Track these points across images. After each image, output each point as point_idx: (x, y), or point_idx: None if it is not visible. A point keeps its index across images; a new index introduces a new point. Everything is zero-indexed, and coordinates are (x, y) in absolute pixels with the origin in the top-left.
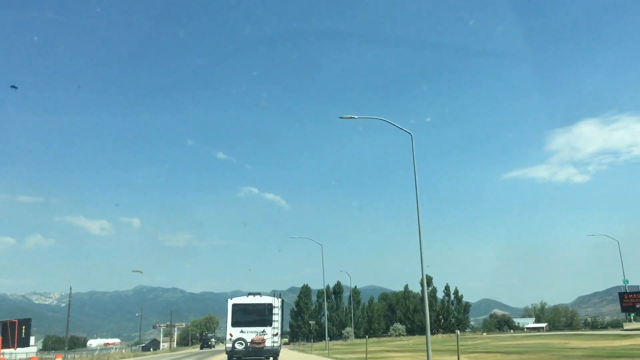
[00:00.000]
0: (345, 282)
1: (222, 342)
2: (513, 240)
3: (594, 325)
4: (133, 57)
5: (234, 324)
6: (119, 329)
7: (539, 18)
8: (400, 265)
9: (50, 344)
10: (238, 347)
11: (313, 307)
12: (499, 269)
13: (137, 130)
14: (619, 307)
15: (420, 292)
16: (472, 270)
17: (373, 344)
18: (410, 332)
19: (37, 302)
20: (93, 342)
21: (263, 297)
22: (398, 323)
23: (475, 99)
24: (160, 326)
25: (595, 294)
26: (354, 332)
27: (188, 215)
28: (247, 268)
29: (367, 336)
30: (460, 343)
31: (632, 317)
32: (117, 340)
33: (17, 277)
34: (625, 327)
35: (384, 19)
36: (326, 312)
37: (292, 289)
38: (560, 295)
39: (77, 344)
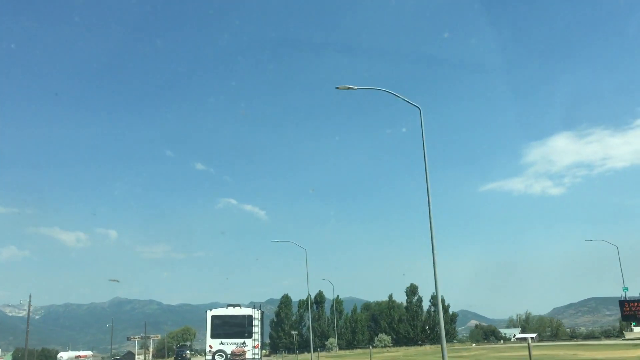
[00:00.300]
0: (327, 293)
1: (200, 354)
2: (489, 251)
3: (574, 336)
4: (110, 67)
5: (213, 336)
6: (95, 341)
7: (513, 31)
8: (380, 276)
9: (20, 357)
10: (218, 359)
11: (294, 318)
12: (475, 280)
13: (114, 141)
14: (593, 318)
15: (405, 302)
16: (449, 281)
17: (361, 356)
18: (396, 342)
19: (10, 314)
20: (64, 355)
21: (243, 308)
22: (383, 334)
23: (451, 111)
24: (134, 338)
25: (570, 305)
26: (338, 344)
27: (166, 227)
28: (225, 279)
29: (352, 347)
30: (455, 354)
31: (632, 326)
32: (89, 353)
33: None
34: (627, 337)
35: (360, 30)
36: (310, 322)
37: (270, 301)
38: (536, 306)
39: (49, 356)
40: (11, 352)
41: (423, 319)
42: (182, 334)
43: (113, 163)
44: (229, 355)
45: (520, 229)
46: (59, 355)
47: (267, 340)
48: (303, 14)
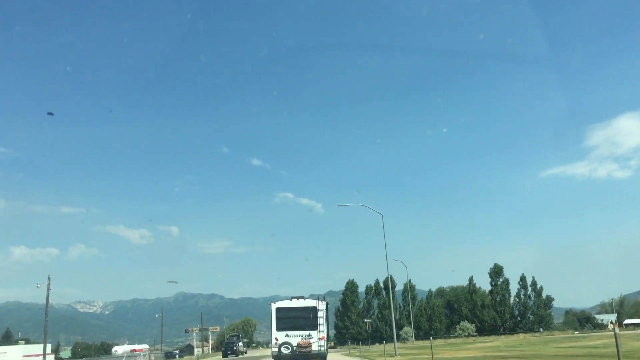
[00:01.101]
0: (398, 276)
1: (262, 346)
2: (554, 238)
3: None
4: (169, 70)
5: (279, 328)
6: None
7: (560, 15)
8: (431, 266)
9: (79, 351)
10: (284, 351)
11: (361, 306)
12: (541, 268)
13: (173, 140)
14: None
15: (484, 287)
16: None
17: (449, 348)
18: (480, 331)
19: (81, 310)
20: (118, 349)
21: (307, 300)
22: (465, 321)
23: (506, 101)
24: (193, 330)
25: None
26: (413, 333)
27: (225, 222)
28: (283, 273)
29: (428, 337)
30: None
31: None
32: (145, 347)
33: (62, 286)
34: None
35: (395, 29)
36: (392, 304)
37: (329, 293)
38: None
39: (108, 350)
40: (70, 347)
41: (510, 303)
42: (243, 326)
43: (172, 162)
44: (294, 348)
45: (585, 213)
46: (114, 349)
47: (333, 331)
48: (335, 17)
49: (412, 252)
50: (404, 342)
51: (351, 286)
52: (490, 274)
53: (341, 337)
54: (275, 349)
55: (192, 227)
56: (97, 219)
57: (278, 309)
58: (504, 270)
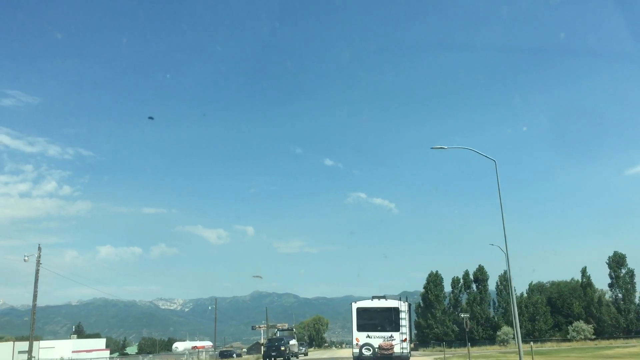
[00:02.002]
0: (491, 268)
1: (336, 346)
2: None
3: None
4: (244, 76)
5: (359, 329)
6: (238, 332)
7: None
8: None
9: (146, 347)
10: (365, 352)
11: (447, 300)
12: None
13: (248, 142)
14: None
15: (611, 277)
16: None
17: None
18: (598, 333)
19: (163, 307)
20: (179, 345)
21: (389, 300)
22: (580, 321)
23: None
24: (260, 327)
25: None
26: (513, 334)
27: (299, 222)
28: (357, 273)
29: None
30: None
31: None
32: (207, 344)
33: (145, 284)
34: None
35: (474, 27)
36: (513, 299)
37: (403, 294)
38: None
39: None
40: (137, 343)
41: (637, 300)
42: (314, 324)
43: (248, 163)
44: (376, 349)
45: None
46: (174, 345)
47: (414, 331)
48: (414, 18)
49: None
50: (504, 345)
51: (435, 279)
52: (609, 263)
53: (423, 337)
54: (356, 350)
55: (267, 227)
56: (177, 219)
57: (359, 309)
58: (627, 259)
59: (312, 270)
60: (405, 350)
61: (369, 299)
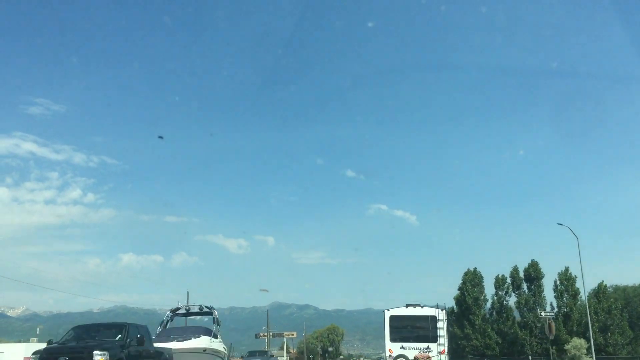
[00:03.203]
0: (545, 265)
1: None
2: None
3: None
4: (271, 83)
5: (393, 339)
6: (257, 343)
7: None
8: None
9: None
10: None
11: (490, 305)
12: None
13: (269, 151)
14: None
15: None
16: None
17: None
18: None
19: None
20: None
21: (425, 308)
22: None
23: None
24: (263, 336)
25: None
26: (582, 348)
27: (319, 233)
28: (377, 286)
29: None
30: None
31: None
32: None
33: (165, 292)
34: None
35: (489, 48)
36: (587, 301)
37: None
38: None
39: None
40: None
41: None
42: (328, 334)
43: (269, 174)
44: None
45: None
46: None
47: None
48: (429, 38)
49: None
50: None
51: (472, 277)
52: None
53: (458, 350)
54: None
55: (287, 238)
56: (198, 228)
57: (393, 317)
58: None
59: (332, 282)
60: None
61: (402, 306)
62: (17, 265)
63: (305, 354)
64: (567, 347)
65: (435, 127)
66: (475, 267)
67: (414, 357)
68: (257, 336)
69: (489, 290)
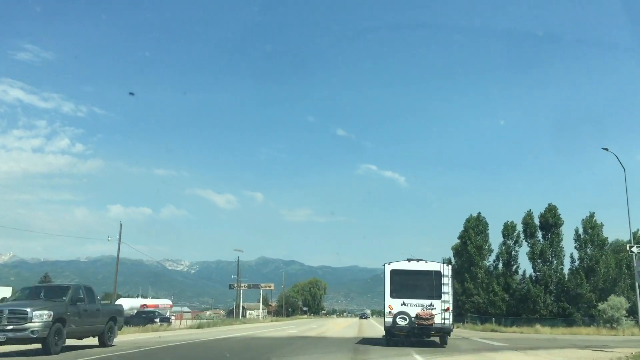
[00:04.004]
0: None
1: (335, 314)
2: None
3: None
4: (258, 41)
5: (393, 295)
6: (231, 293)
7: None
8: None
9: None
10: (400, 322)
11: (497, 253)
12: None
13: (261, 108)
14: None
15: None
16: None
17: None
18: None
19: (170, 267)
20: (123, 303)
21: (428, 262)
22: None
23: None
24: (239, 286)
25: None
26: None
27: (308, 191)
28: (363, 245)
29: None
30: None
31: None
32: (166, 302)
33: (153, 244)
34: None
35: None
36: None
37: None
38: None
39: None
40: None
41: None
42: (310, 287)
43: (259, 130)
44: (413, 319)
45: None
46: (117, 302)
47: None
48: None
49: None
50: (614, 326)
51: (476, 224)
52: None
53: (457, 307)
54: (389, 320)
55: (276, 194)
56: (187, 182)
57: (394, 272)
58: None
59: (319, 239)
60: (447, 322)
61: (404, 260)
62: (4, 213)
63: (282, 308)
64: (601, 306)
65: (424, 87)
66: (480, 213)
67: (416, 314)
68: (230, 287)
69: (495, 240)
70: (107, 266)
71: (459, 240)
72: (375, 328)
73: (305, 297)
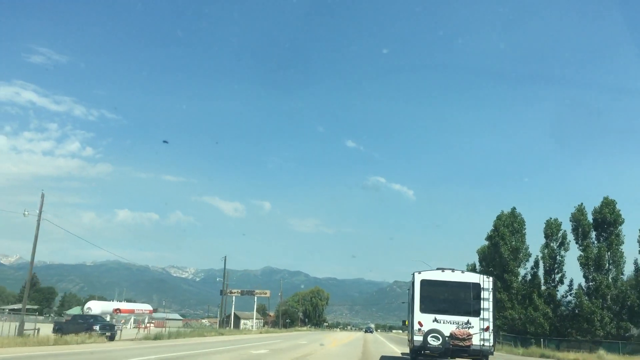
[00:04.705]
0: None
1: (344, 327)
2: None
3: None
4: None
5: (424, 309)
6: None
7: None
8: None
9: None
10: (432, 342)
11: (536, 259)
12: None
13: (271, 117)
14: None
15: None
16: None
17: None
18: None
19: (175, 274)
20: (94, 305)
21: (466, 273)
22: None
23: None
24: (232, 292)
25: None
26: None
27: (316, 201)
28: (370, 257)
29: None
30: None
31: None
32: (144, 308)
33: (159, 250)
34: None
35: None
36: None
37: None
38: None
39: None
40: None
41: None
42: (311, 297)
43: (268, 138)
44: (447, 339)
45: None
46: (87, 306)
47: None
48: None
49: None
50: None
51: (510, 221)
52: None
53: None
54: (419, 338)
55: (284, 204)
56: (195, 189)
57: (425, 282)
58: None
59: (325, 250)
60: (487, 343)
61: (434, 270)
62: (12, 214)
63: (279, 318)
64: None
65: (437, 104)
66: (514, 208)
67: (451, 333)
68: (221, 292)
69: (534, 242)
70: (113, 271)
71: (487, 243)
72: (385, 346)
73: (306, 307)
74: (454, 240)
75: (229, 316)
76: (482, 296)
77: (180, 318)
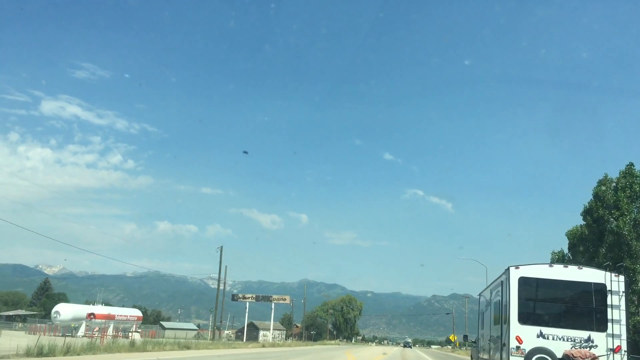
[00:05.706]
0: None
1: (370, 343)
2: None
3: None
4: (309, 62)
5: (524, 319)
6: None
7: None
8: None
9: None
10: None
11: None
12: None
13: (309, 130)
14: None
15: None
16: None
17: None
18: None
19: (213, 286)
20: (63, 309)
21: (584, 269)
22: None
23: None
24: (245, 298)
25: None
26: None
27: (353, 214)
28: (407, 271)
29: None
30: None
31: None
32: (133, 313)
33: (198, 262)
34: None
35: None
36: None
37: (452, 296)
38: None
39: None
40: None
41: None
42: (342, 307)
43: (306, 151)
44: None
45: None
46: (55, 309)
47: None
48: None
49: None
50: None
51: (628, 182)
52: None
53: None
54: (518, 358)
55: (321, 216)
56: (233, 201)
57: (525, 281)
58: None
59: (362, 263)
60: None
61: (540, 264)
62: (56, 226)
63: (303, 330)
64: None
65: (478, 115)
66: (632, 163)
67: (565, 355)
68: (234, 298)
69: None
70: (152, 282)
71: (584, 216)
72: None
73: (336, 317)
74: (493, 253)
75: (248, 326)
76: (609, 302)
77: (196, 328)
